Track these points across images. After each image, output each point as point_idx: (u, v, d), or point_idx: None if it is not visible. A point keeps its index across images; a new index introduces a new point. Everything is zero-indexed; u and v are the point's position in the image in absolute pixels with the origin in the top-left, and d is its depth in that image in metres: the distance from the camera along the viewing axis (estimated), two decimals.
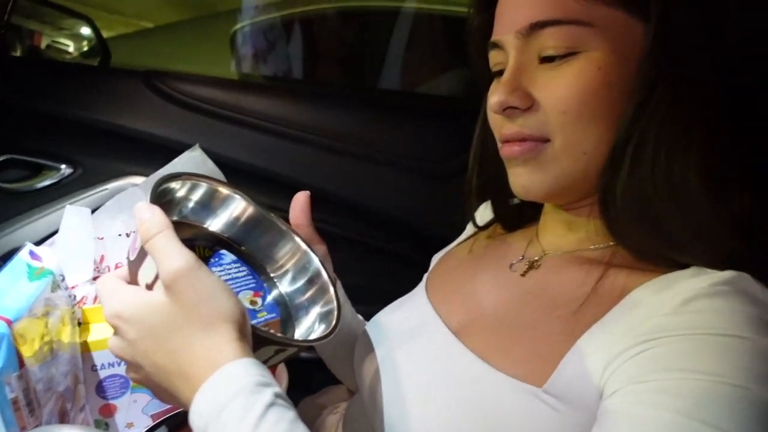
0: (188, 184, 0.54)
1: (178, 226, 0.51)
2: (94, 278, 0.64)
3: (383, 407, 0.55)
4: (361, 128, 1.11)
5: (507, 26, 0.52)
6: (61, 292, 0.57)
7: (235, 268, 0.55)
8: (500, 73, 0.54)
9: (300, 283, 0.58)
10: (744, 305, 0.41)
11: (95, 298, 0.63)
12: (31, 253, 0.56)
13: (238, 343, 0.41)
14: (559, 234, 0.58)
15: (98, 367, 0.61)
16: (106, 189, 1.07)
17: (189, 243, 0.51)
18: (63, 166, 1.06)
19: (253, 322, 0.49)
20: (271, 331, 0.50)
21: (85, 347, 0.60)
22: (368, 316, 0.71)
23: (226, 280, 0.52)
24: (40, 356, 0.51)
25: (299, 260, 0.58)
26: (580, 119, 0.48)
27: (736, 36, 0.49)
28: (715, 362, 0.39)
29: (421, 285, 0.69)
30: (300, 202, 0.61)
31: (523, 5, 0.50)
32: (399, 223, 1.14)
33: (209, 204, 0.56)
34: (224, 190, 0.56)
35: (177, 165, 0.80)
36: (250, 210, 0.58)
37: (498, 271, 0.60)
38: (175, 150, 0.75)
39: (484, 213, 0.73)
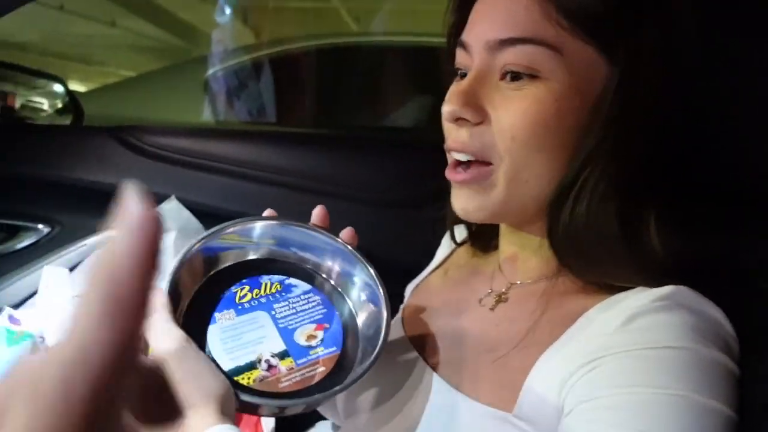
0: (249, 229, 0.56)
1: (239, 265, 0.55)
2: None
3: None
4: (327, 166, 1.15)
5: (478, 34, 0.51)
6: (41, 354, 0.59)
7: (305, 298, 0.55)
8: (460, 70, 0.55)
9: (366, 315, 0.56)
10: (683, 317, 0.43)
11: None
12: (10, 318, 0.59)
13: (216, 416, 0.41)
14: (514, 260, 0.60)
15: None
16: (85, 245, 1.09)
17: (254, 280, 0.54)
18: (40, 226, 1.08)
19: (302, 360, 0.50)
20: (293, 379, 0.50)
21: None
22: None
23: (288, 315, 0.53)
24: None
25: (371, 289, 0.57)
26: (527, 148, 0.49)
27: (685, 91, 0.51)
28: (657, 375, 0.41)
29: (397, 317, 0.70)
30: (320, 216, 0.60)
31: (498, 19, 0.50)
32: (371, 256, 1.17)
33: (270, 238, 0.58)
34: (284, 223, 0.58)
35: None
36: (322, 239, 0.58)
37: (469, 306, 0.62)
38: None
39: (459, 233, 0.74)
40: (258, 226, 0.57)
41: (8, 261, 1.06)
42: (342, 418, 0.66)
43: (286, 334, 0.52)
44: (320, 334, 0.53)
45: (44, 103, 1.63)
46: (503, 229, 0.62)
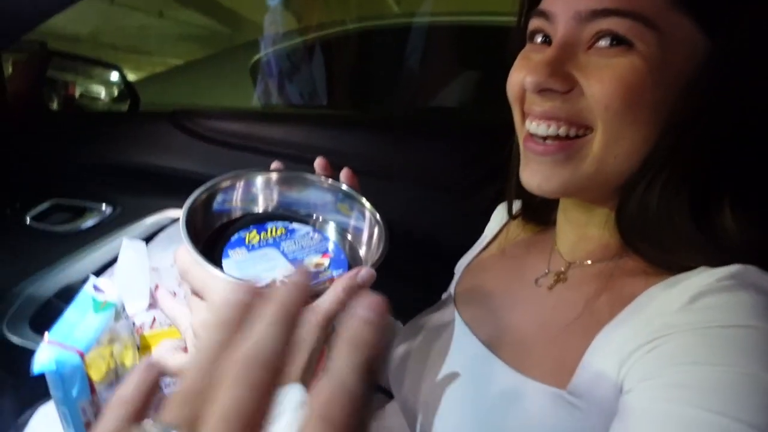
0: (238, 184, 0.60)
1: (245, 217, 0.59)
2: (150, 306, 0.69)
3: (419, 414, 0.58)
4: (376, 147, 1.17)
5: (566, 2, 0.47)
6: (123, 321, 0.61)
7: (309, 237, 0.59)
8: (536, 35, 0.51)
9: (366, 238, 0.61)
10: (750, 296, 0.41)
11: (152, 324, 0.69)
12: (95, 287, 0.61)
13: None
14: (575, 239, 0.58)
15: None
16: (144, 224, 1.15)
17: (260, 226, 0.58)
18: (104, 206, 1.15)
19: (314, 282, 0.54)
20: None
21: None
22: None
23: (295, 250, 0.57)
24: (107, 380, 0.57)
25: (367, 218, 0.61)
26: (620, 119, 0.46)
27: None
28: (724, 353, 0.39)
29: (450, 295, 0.70)
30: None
31: None
32: (418, 236, 1.19)
33: (263, 191, 0.61)
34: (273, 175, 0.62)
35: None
36: (308, 182, 0.62)
37: (524, 285, 0.61)
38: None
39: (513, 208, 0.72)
40: (258, 180, 0.61)
41: (77, 239, 1.13)
42: (395, 391, 0.67)
43: (296, 263, 0.56)
44: (326, 261, 0.57)
45: (101, 92, 1.70)
46: (566, 205, 0.60)
